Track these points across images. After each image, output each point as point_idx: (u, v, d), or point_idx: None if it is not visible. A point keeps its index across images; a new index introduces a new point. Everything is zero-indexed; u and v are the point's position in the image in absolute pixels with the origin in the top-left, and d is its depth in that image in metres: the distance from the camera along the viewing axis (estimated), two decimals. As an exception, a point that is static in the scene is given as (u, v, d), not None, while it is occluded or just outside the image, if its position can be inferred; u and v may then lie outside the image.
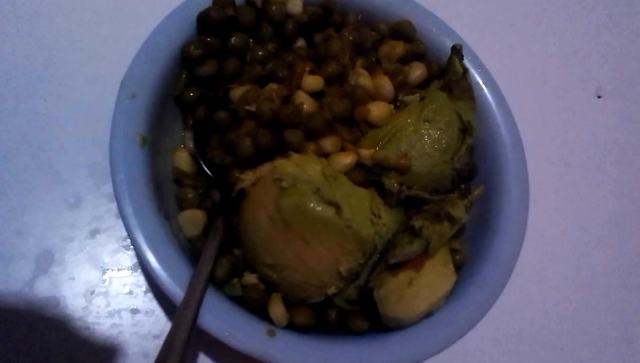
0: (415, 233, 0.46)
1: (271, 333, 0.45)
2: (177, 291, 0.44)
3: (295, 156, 0.48)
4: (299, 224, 0.45)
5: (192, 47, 0.52)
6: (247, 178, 0.49)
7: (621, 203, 0.73)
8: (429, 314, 0.49)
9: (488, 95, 0.60)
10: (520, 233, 0.55)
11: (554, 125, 0.76)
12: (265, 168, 0.49)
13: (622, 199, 0.74)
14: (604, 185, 0.74)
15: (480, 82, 0.61)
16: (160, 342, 0.53)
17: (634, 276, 0.69)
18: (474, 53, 0.62)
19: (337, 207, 0.45)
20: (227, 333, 0.44)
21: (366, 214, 0.47)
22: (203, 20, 0.53)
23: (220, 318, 0.44)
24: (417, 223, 0.46)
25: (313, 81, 0.52)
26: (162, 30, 0.52)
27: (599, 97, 0.81)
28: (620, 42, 0.85)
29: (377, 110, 0.52)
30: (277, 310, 0.46)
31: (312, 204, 0.45)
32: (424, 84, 0.58)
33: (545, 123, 0.76)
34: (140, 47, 0.50)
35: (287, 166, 0.47)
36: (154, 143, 0.50)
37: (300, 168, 0.47)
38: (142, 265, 0.45)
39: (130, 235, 0.45)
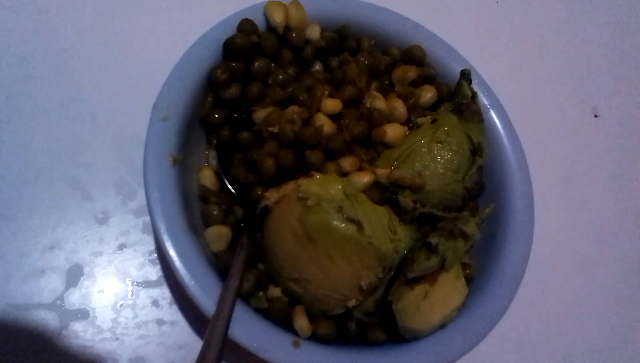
0: (431, 250, 0.49)
1: (296, 344, 0.47)
2: (208, 303, 0.46)
3: (318, 176, 0.51)
4: (323, 240, 0.48)
5: (219, 71, 0.54)
6: (272, 196, 0.51)
7: (619, 217, 0.77)
8: (442, 326, 0.52)
9: (494, 117, 0.63)
10: (527, 248, 0.58)
11: (555, 144, 0.80)
12: (289, 187, 0.51)
13: (620, 213, 0.77)
14: (603, 200, 0.77)
15: (487, 104, 0.64)
16: (185, 352, 0.55)
17: (636, 288, 0.72)
18: (481, 77, 0.65)
19: (359, 224, 0.48)
20: (255, 345, 0.46)
21: (385, 231, 0.50)
22: (229, 47, 0.55)
23: (249, 330, 0.47)
24: (433, 240, 0.49)
25: (332, 104, 0.55)
26: (190, 56, 0.54)
27: (596, 116, 0.85)
28: (616, 63, 0.89)
29: (393, 132, 0.55)
30: (302, 322, 0.49)
31: (336, 222, 0.48)
32: (434, 106, 0.61)
33: (546, 142, 0.79)
34: (171, 72, 0.53)
35: (311, 185, 0.50)
36: (182, 162, 0.53)
37: (323, 187, 0.49)
38: (174, 278, 0.47)
39: (163, 250, 0.47)
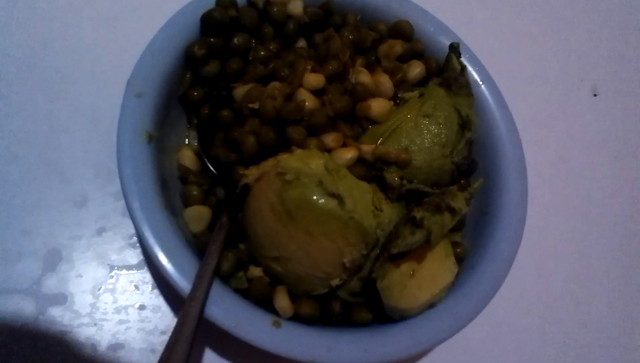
0: (416, 224, 0.47)
1: (277, 325, 0.46)
2: (184, 284, 0.45)
3: (298, 151, 0.49)
4: (302, 216, 0.46)
5: (196, 47, 0.53)
6: (251, 173, 0.50)
7: (617, 199, 0.74)
8: (431, 305, 0.50)
9: (486, 92, 0.61)
10: (520, 227, 0.56)
11: (551, 123, 0.78)
12: (268, 163, 0.49)
13: (617, 195, 0.75)
14: (601, 181, 0.75)
15: (478, 79, 0.62)
16: (166, 338, 0.53)
17: (631, 269, 0.70)
18: (472, 52, 0.63)
19: (339, 199, 0.46)
20: (233, 324, 0.44)
21: (368, 206, 0.48)
22: (206, 21, 0.54)
23: (227, 310, 0.45)
24: (418, 214, 0.47)
25: (314, 79, 0.53)
26: (166, 31, 0.53)
27: (595, 95, 0.83)
28: (616, 41, 0.87)
29: (378, 106, 0.53)
30: (282, 301, 0.47)
31: (315, 197, 0.46)
32: (423, 82, 0.59)
33: (542, 121, 0.77)
34: (146, 47, 0.51)
35: (291, 160, 0.48)
36: (159, 140, 0.51)
37: (303, 162, 0.48)
38: (149, 258, 0.46)
39: (137, 229, 0.46)
